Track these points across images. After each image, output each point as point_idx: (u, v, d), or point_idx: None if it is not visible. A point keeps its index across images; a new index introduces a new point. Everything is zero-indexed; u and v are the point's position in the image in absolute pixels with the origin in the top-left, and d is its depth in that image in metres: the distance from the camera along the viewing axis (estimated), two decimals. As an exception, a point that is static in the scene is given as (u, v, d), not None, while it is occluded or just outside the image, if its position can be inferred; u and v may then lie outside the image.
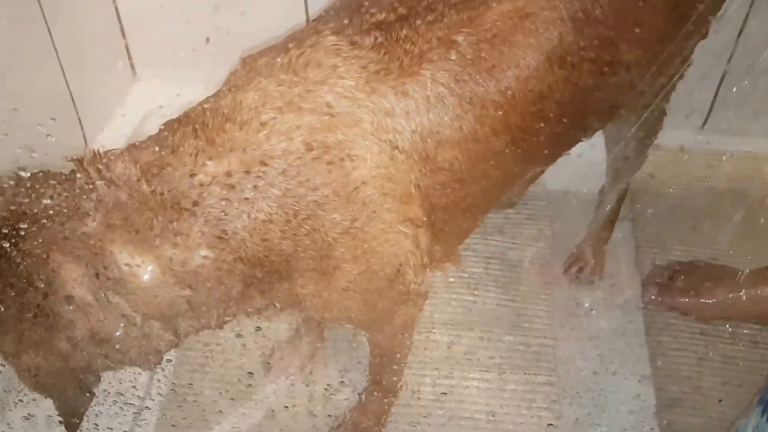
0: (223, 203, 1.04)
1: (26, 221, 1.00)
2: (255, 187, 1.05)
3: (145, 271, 1.03)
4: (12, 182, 1.04)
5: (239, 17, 1.99)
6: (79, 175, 1.04)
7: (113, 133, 2.03)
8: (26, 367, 1.04)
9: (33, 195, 1.02)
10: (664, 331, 1.80)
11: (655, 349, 1.77)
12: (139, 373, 1.70)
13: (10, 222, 1.00)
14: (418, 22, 1.15)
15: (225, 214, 1.04)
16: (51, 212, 1.01)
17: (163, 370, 1.72)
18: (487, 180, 1.26)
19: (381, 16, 1.16)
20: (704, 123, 2.20)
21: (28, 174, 1.06)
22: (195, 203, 1.03)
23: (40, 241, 1.00)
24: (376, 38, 1.14)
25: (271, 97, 1.09)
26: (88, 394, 1.10)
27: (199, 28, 2.03)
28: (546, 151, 1.33)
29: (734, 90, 2.10)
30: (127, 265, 1.02)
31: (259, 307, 1.18)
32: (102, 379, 1.12)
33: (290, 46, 1.15)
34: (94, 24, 2.03)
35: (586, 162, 1.90)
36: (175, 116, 1.13)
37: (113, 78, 2.16)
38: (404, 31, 1.14)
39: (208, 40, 1.85)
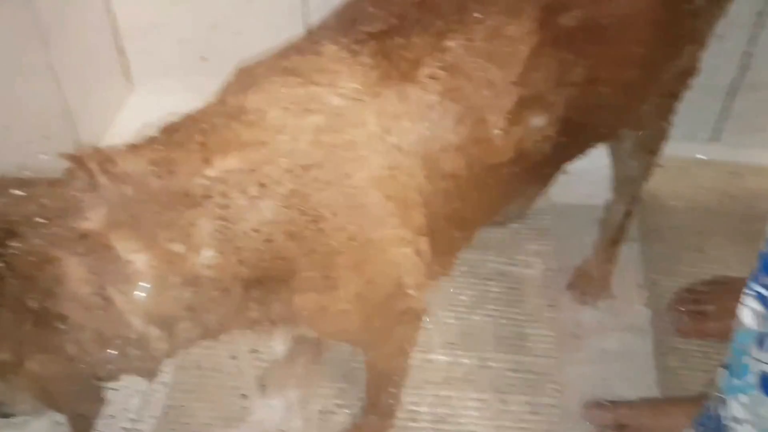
0: (229, 201, 1.02)
1: (22, 221, 0.97)
2: (262, 185, 1.03)
3: (150, 268, 0.99)
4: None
5: (235, 36, 1.98)
6: (79, 173, 1.01)
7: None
8: (31, 375, 0.99)
9: (28, 196, 1.00)
10: (673, 353, 1.75)
11: (663, 372, 1.72)
12: (132, 395, 1.67)
13: (6, 223, 0.97)
14: (410, 31, 1.17)
15: (231, 213, 1.02)
16: (49, 212, 0.98)
17: (156, 392, 1.68)
18: (488, 191, 1.25)
19: (375, 27, 1.18)
20: (714, 137, 2.15)
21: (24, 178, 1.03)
22: (202, 200, 1.01)
23: (39, 240, 0.96)
24: (372, 47, 1.15)
25: (276, 98, 1.09)
26: (99, 401, 1.07)
27: (196, 42, 2.02)
28: (545, 163, 1.32)
29: (745, 102, 2.06)
30: (131, 262, 0.98)
31: (253, 320, 1.14)
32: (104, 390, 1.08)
33: (290, 53, 1.16)
34: (91, 36, 2.02)
35: (591, 176, 1.87)
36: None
37: (109, 90, 2.14)
38: (397, 39, 1.16)
39: (203, 58, 1.84)
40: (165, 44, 2.06)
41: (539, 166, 1.31)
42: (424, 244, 1.18)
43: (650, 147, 1.67)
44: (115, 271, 0.98)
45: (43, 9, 1.76)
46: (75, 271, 0.97)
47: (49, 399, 1.04)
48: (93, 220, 0.98)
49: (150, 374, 1.10)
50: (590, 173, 1.88)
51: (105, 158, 1.02)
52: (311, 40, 1.20)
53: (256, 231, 1.04)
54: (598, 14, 1.24)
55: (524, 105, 1.20)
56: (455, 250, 1.36)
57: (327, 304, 1.14)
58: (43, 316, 0.96)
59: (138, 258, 0.99)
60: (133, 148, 1.06)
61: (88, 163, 1.01)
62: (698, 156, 2.11)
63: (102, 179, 1.00)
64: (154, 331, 1.04)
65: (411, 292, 1.20)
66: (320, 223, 1.07)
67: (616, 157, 1.72)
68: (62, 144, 1.86)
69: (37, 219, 0.98)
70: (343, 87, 1.11)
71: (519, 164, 1.24)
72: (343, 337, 1.33)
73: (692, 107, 1.59)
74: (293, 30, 1.94)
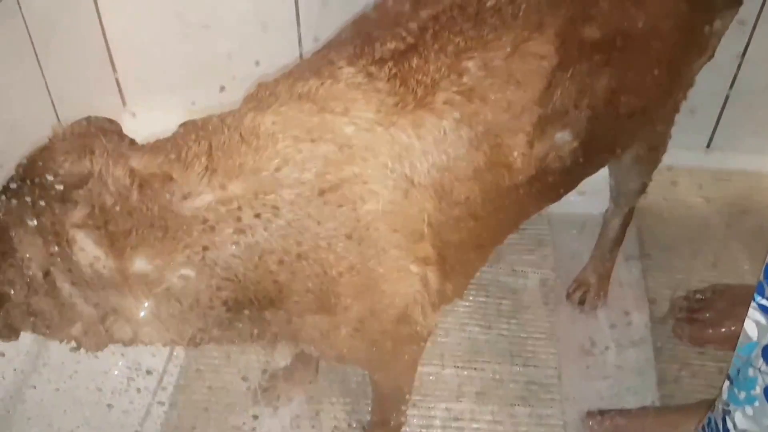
0: (219, 227, 1.02)
1: (38, 179, 1.02)
2: (257, 215, 1.03)
3: (107, 271, 1.01)
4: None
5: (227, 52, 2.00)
6: (90, 155, 1.04)
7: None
8: None
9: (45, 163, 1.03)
10: (674, 363, 1.76)
11: (665, 382, 1.73)
12: (144, 416, 1.67)
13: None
14: (427, 51, 1.14)
15: (217, 239, 1.02)
16: (47, 187, 1.01)
17: (165, 413, 1.69)
18: (503, 213, 1.24)
19: (391, 46, 1.15)
20: (709, 143, 2.17)
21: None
22: (186, 225, 1.01)
23: (28, 202, 1.01)
24: (390, 69, 1.13)
25: (289, 124, 1.08)
26: None
27: (189, 58, 2.02)
28: (565, 179, 1.32)
29: (740, 108, 2.07)
30: (90, 262, 1.00)
31: (250, 335, 1.14)
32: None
33: (308, 75, 1.14)
34: (84, 55, 2.01)
35: (588, 186, 1.87)
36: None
37: (103, 109, 2.13)
38: (415, 60, 1.14)
39: (223, 88, 1.83)
40: (157, 60, 2.06)
41: (558, 183, 1.29)
42: (431, 273, 1.17)
43: (653, 158, 1.67)
44: (70, 265, 1.00)
45: (35, 28, 1.75)
46: (32, 244, 1.00)
47: None
48: (73, 214, 1.00)
49: (95, 348, 1.11)
50: (587, 184, 1.88)
51: (108, 159, 1.04)
52: (328, 58, 1.17)
53: (241, 258, 1.03)
54: (622, 24, 1.22)
55: (546, 123, 1.18)
56: (469, 272, 1.35)
57: (328, 328, 1.15)
58: None
59: (99, 259, 1.00)
60: (140, 155, 1.07)
61: (99, 155, 1.04)
62: (697, 165, 2.13)
63: (98, 178, 1.02)
64: (111, 318, 1.06)
65: (417, 319, 1.20)
66: (318, 253, 1.06)
67: (618, 169, 1.71)
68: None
69: (47, 184, 1.02)
70: (358, 116, 1.09)
71: (538, 183, 1.22)
72: (347, 361, 1.33)
73: (689, 116, 1.61)
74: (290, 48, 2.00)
